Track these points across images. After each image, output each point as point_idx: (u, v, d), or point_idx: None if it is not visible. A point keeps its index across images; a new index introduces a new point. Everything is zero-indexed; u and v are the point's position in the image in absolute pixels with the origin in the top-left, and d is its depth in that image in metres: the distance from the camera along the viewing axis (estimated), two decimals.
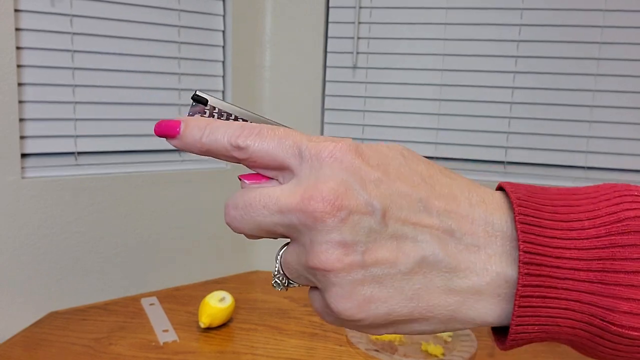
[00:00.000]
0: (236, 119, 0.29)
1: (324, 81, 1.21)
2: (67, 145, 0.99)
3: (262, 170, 0.27)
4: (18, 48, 0.91)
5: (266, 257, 1.23)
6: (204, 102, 0.28)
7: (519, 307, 0.24)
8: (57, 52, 0.95)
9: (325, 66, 1.21)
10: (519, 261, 0.24)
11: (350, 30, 1.18)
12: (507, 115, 1.15)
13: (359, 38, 1.18)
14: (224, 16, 1.14)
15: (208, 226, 1.14)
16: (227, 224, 0.27)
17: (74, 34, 0.96)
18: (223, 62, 1.15)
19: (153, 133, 1.08)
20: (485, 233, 0.25)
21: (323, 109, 1.22)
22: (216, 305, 0.92)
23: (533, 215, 0.25)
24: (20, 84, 0.92)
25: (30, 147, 0.95)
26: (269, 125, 0.27)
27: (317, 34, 1.18)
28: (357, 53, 1.19)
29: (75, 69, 0.98)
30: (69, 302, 0.99)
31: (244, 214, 0.26)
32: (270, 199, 0.25)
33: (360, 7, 1.17)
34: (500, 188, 0.28)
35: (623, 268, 0.24)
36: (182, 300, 1.04)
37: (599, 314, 0.24)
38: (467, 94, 1.16)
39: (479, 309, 0.26)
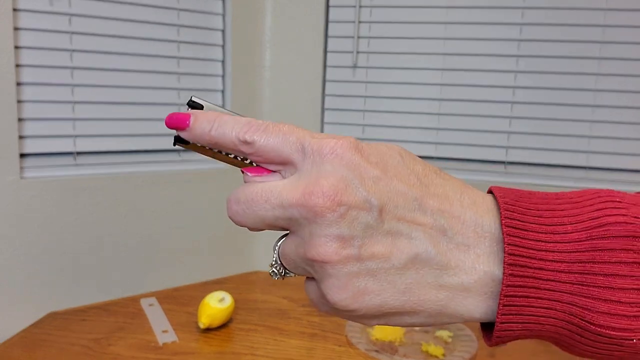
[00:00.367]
0: None
1: (324, 81, 1.21)
2: (66, 145, 0.99)
3: (266, 164, 0.28)
4: (16, 47, 0.90)
5: (266, 257, 1.23)
6: (200, 107, 0.29)
7: (504, 305, 0.26)
8: (56, 51, 0.95)
9: (325, 65, 1.21)
10: (504, 262, 0.26)
11: (351, 29, 1.18)
12: (507, 115, 1.14)
13: (359, 37, 1.18)
14: (223, 15, 1.13)
15: (208, 226, 1.14)
16: (230, 217, 0.28)
17: (73, 33, 0.96)
18: (222, 62, 1.15)
19: (153, 133, 1.08)
20: (475, 234, 0.27)
21: (323, 109, 1.22)
22: (216, 305, 0.92)
23: (519, 219, 0.26)
24: (18, 84, 0.92)
25: (29, 147, 0.95)
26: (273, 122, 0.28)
27: (317, 33, 1.18)
28: (357, 52, 1.18)
29: (74, 68, 0.97)
30: (68, 302, 0.99)
31: (246, 208, 0.27)
32: (272, 193, 0.26)
33: (361, 6, 1.17)
34: (490, 192, 0.29)
35: (602, 271, 0.25)
36: (181, 301, 1.04)
37: (578, 313, 0.25)
38: (468, 94, 1.15)
39: (467, 305, 0.27)
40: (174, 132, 0.29)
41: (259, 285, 1.16)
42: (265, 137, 0.27)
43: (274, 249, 0.30)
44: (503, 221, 0.26)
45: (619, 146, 1.11)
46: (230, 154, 0.29)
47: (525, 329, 0.27)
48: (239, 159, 0.29)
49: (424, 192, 0.27)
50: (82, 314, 0.97)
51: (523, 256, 0.25)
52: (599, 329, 0.25)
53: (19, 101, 0.92)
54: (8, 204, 0.90)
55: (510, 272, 0.25)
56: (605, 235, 0.25)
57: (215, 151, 0.29)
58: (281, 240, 0.29)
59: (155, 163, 1.10)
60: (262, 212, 0.27)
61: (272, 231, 0.29)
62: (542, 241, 0.26)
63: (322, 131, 1.23)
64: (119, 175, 1.02)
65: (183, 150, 1.12)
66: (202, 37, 1.12)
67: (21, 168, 0.93)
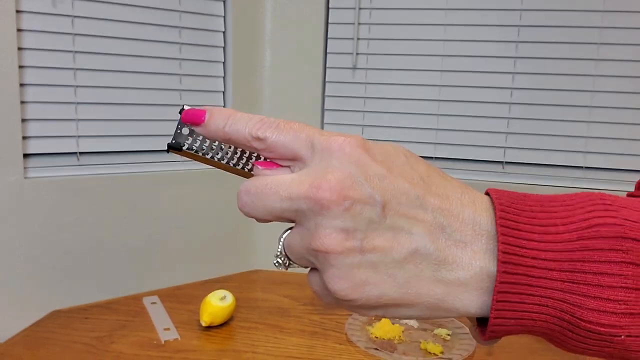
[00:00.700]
0: (219, 144, 0.31)
1: (324, 82, 1.22)
2: (69, 146, 1.00)
3: (277, 159, 0.29)
4: (20, 49, 0.91)
5: (266, 256, 1.24)
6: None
7: (497, 301, 0.27)
8: (59, 52, 0.96)
9: (325, 67, 1.22)
10: (498, 259, 0.27)
11: (350, 31, 1.19)
12: (506, 116, 1.15)
13: (358, 39, 1.19)
14: (224, 17, 1.14)
15: (209, 226, 1.15)
16: (239, 208, 0.29)
17: (76, 34, 0.97)
18: (224, 63, 1.16)
19: (155, 133, 1.09)
20: (473, 231, 0.28)
21: (323, 110, 1.23)
22: (217, 304, 0.93)
23: (513, 219, 0.28)
24: (22, 85, 0.92)
25: (33, 147, 0.95)
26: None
27: (317, 34, 1.18)
28: (357, 54, 1.19)
29: (76, 69, 0.98)
30: (71, 300, 1.00)
31: (255, 200, 0.28)
32: (281, 186, 0.28)
33: (360, 8, 1.18)
34: (487, 194, 0.31)
35: (591, 269, 0.26)
36: (183, 299, 1.05)
37: (569, 310, 0.26)
38: (466, 95, 1.16)
39: (463, 299, 0.28)
40: (173, 132, 0.31)
41: (259, 283, 1.16)
42: (277, 134, 0.28)
43: (279, 241, 0.31)
44: (498, 221, 0.27)
45: (615, 146, 1.12)
46: (223, 160, 0.31)
47: (518, 324, 0.28)
48: (231, 165, 0.30)
49: (426, 191, 0.28)
50: (84, 312, 0.97)
51: (516, 254, 0.27)
52: (589, 325, 0.26)
53: (22, 102, 0.93)
54: (11, 203, 0.91)
55: (503, 269, 0.27)
56: (595, 236, 0.26)
57: (208, 157, 0.31)
58: (286, 232, 0.30)
59: (157, 163, 1.11)
60: (271, 204, 0.28)
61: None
62: (535, 240, 0.27)
63: None
64: (121, 175, 1.03)
65: None
66: (204, 39, 1.13)
67: (24, 168, 0.94)
